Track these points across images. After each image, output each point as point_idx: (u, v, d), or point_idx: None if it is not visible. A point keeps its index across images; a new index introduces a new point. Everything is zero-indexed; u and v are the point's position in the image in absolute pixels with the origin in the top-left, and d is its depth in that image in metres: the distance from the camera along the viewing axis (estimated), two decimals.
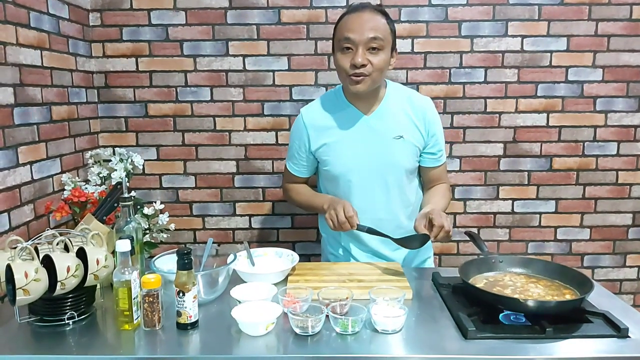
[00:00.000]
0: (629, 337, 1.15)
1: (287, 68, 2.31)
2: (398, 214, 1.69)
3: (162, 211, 1.92)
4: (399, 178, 1.67)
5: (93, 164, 2.00)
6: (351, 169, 1.64)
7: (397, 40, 1.62)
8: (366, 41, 1.50)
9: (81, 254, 1.23)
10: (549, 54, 2.30)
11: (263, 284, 1.36)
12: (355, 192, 1.66)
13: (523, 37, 2.29)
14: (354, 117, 1.64)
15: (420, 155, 1.70)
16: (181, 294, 1.18)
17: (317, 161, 1.72)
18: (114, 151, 1.98)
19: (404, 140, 1.63)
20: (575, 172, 2.40)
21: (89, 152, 2.08)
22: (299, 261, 1.56)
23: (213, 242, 1.51)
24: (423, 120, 1.66)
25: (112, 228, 1.44)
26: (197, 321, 1.21)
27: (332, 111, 1.67)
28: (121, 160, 1.92)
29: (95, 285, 1.32)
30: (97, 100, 2.32)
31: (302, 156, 1.72)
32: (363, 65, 1.50)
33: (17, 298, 1.12)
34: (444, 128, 1.76)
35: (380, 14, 1.54)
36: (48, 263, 1.18)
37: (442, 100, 2.32)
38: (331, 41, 1.61)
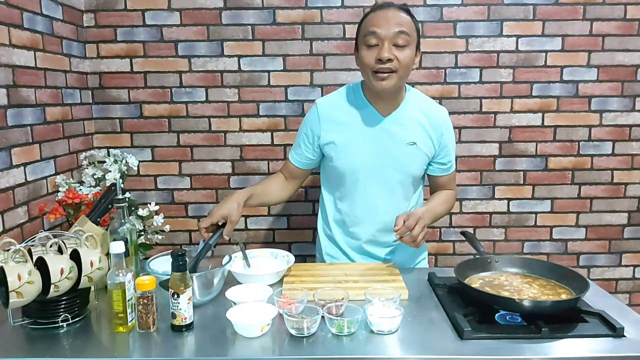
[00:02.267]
0: (624, 336, 1.15)
1: (282, 68, 2.30)
2: (401, 211, 1.68)
3: (157, 212, 1.91)
4: (406, 183, 1.67)
5: (87, 165, 1.99)
6: (360, 168, 1.62)
7: None
8: (392, 35, 1.47)
9: (75, 256, 1.22)
10: (543, 54, 2.31)
11: (258, 285, 1.36)
12: (360, 192, 1.65)
13: (518, 37, 2.29)
14: (371, 117, 1.62)
15: (430, 164, 1.70)
16: (176, 296, 1.17)
17: (323, 155, 1.69)
18: (108, 152, 1.97)
19: (417, 147, 1.62)
20: (571, 172, 2.41)
21: (83, 153, 2.07)
22: (295, 262, 1.55)
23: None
24: (437, 131, 1.64)
25: (107, 230, 1.43)
26: (192, 323, 1.21)
27: (349, 107, 1.64)
28: (115, 161, 1.91)
29: (89, 288, 1.31)
30: (91, 101, 2.31)
31: (307, 147, 1.68)
32: (389, 60, 1.47)
33: (10, 301, 1.11)
34: None
35: (405, 12, 1.52)
36: (41, 265, 1.17)
37: (438, 101, 2.31)
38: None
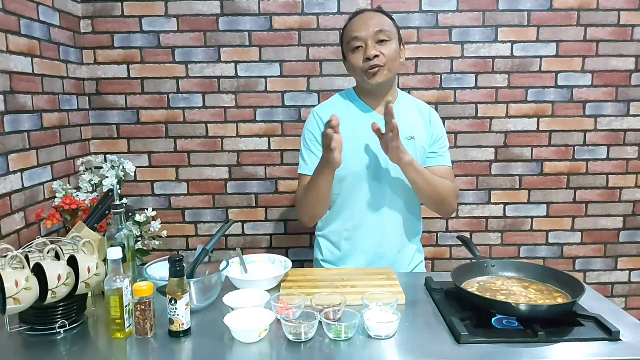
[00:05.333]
0: (620, 340, 1.16)
1: (279, 74, 2.31)
2: (400, 215, 1.70)
3: (154, 218, 1.91)
4: (406, 179, 1.67)
5: (84, 171, 1.99)
6: (364, 170, 1.64)
7: None
8: (373, 34, 1.56)
9: (72, 262, 1.22)
10: (538, 60, 2.33)
11: (256, 291, 1.36)
12: (364, 191, 1.65)
13: (513, 42, 2.31)
14: (369, 117, 1.65)
15: (426, 158, 1.72)
16: (173, 302, 1.17)
17: None
18: (105, 158, 1.97)
19: (415, 141, 1.66)
20: (566, 177, 2.42)
21: (81, 159, 2.07)
22: (292, 267, 1.55)
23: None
24: (429, 123, 1.71)
25: (104, 236, 1.43)
26: (189, 329, 1.21)
27: (346, 110, 1.68)
28: (113, 167, 1.91)
29: (87, 294, 1.31)
30: (88, 108, 2.31)
31: (318, 149, 1.64)
32: (376, 57, 1.55)
33: (8, 307, 1.11)
34: None
35: (381, 13, 1.62)
36: (39, 272, 1.17)
37: (434, 106, 2.33)
38: (336, 47, 1.63)
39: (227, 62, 2.30)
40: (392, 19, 1.63)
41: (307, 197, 1.63)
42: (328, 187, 1.58)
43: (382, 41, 1.57)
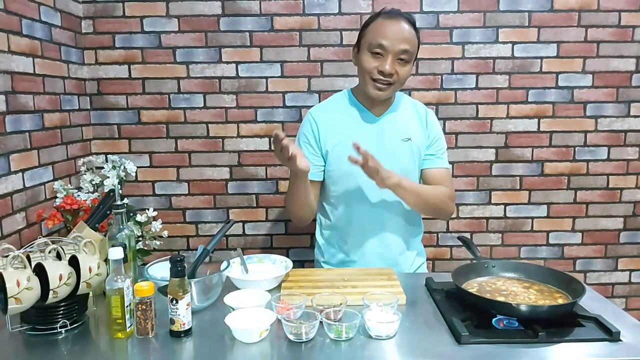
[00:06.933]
0: (620, 340, 1.16)
1: (280, 75, 2.31)
2: (399, 216, 1.70)
3: (155, 218, 1.91)
4: None
5: (85, 171, 1.99)
6: (359, 170, 1.58)
7: None
8: (398, 52, 1.53)
9: (73, 262, 1.23)
10: (539, 60, 2.33)
11: (257, 291, 1.36)
12: (363, 195, 1.65)
13: (514, 43, 2.31)
14: (365, 117, 1.66)
15: (422, 160, 1.72)
16: (174, 302, 1.17)
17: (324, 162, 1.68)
18: (106, 158, 1.97)
19: (411, 142, 1.66)
20: (567, 177, 2.42)
21: (82, 159, 2.07)
22: (293, 267, 1.56)
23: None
24: (426, 124, 1.70)
25: (105, 236, 1.43)
26: (190, 329, 1.21)
27: (342, 111, 1.68)
28: (114, 167, 1.91)
29: (88, 294, 1.31)
30: (89, 108, 2.31)
31: (311, 153, 1.66)
32: (390, 74, 1.54)
33: (9, 307, 1.11)
34: None
35: (412, 26, 1.56)
36: (40, 271, 1.17)
37: (434, 107, 2.33)
38: (358, 38, 1.61)
39: (227, 63, 2.30)
40: (418, 35, 1.59)
41: (289, 202, 1.67)
42: (304, 193, 1.60)
43: (402, 60, 1.55)
